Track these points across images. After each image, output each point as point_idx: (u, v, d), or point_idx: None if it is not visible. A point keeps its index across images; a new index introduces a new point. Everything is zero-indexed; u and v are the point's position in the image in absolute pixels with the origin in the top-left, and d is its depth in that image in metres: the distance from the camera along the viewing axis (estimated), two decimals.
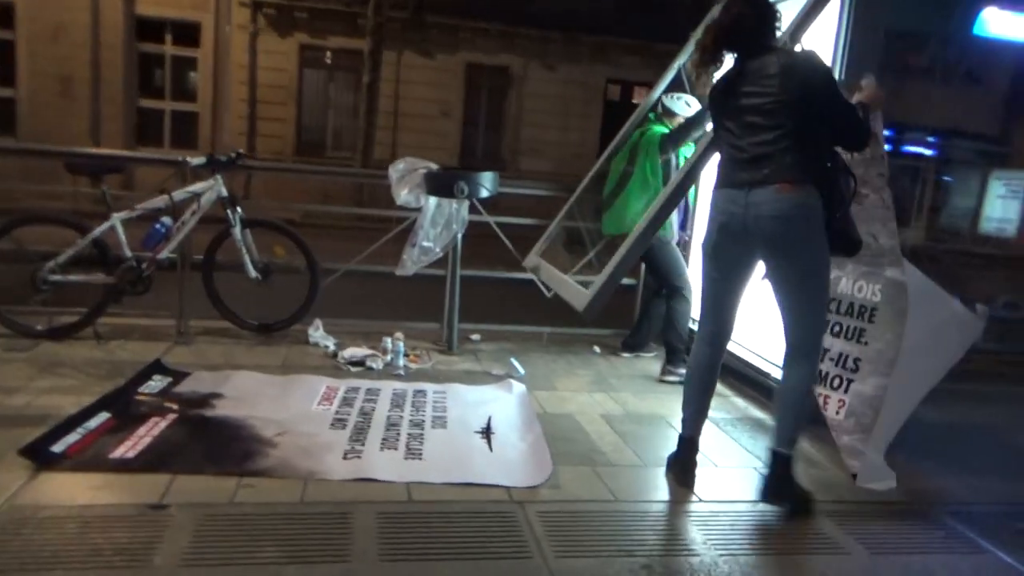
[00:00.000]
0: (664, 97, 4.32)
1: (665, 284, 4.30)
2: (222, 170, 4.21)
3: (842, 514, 2.73)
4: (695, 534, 2.49)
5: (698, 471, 2.90)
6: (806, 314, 2.68)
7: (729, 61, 2.79)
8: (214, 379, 3.58)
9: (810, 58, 2.65)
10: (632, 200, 4.17)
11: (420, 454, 2.90)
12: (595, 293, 3.33)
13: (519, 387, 3.81)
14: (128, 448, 2.72)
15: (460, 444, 3.04)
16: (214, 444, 2.83)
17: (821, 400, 3.21)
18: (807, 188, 2.55)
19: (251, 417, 3.12)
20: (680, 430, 2.97)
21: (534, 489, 2.69)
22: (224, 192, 4.22)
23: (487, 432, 3.19)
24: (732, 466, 3.11)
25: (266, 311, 4.42)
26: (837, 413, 3.16)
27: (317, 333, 4.44)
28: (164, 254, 4.14)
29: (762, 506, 2.72)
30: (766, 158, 2.58)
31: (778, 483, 2.72)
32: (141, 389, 3.38)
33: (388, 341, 4.17)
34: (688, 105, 4.20)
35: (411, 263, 4.26)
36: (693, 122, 3.94)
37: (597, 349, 4.84)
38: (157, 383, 3.49)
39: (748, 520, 2.63)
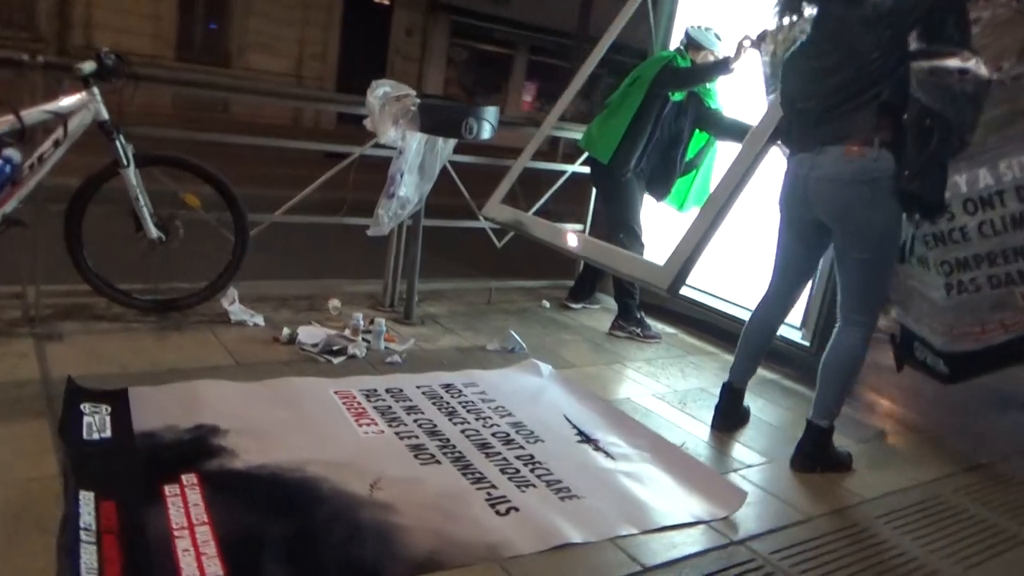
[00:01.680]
0: (690, 28, 3.81)
1: (621, 224, 3.86)
2: (100, 80, 2.82)
3: None
4: None
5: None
6: (860, 280, 2.54)
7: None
8: (177, 400, 2.46)
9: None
10: (603, 119, 3.78)
11: (568, 490, 2.27)
12: (679, 269, 2.86)
13: (546, 368, 3.24)
14: (194, 568, 1.70)
15: (585, 464, 2.46)
16: (313, 532, 1.90)
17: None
18: (876, 148, 2.35)
19: (305, 465, 2.18)
20: (728, 377, 2.92)
21: (732, 520, 2.26)
22: (104, 113, 2.85)
23: (589, 440, 2.64)
24: None
25: (165, 282, 3.18)
26: None
27: (235, 307, 3.33)
28: (11, 205, 2.72)
29: None
30: (837, 119, 2.41)
31: (813, 453, 2.65)
32: (88, 436, 2.19)
33: (358, 318, 3.27)
34: (719, 39, 3.73)
35: (388, 219, 3.33)
36: (714, 67, 3.53)
37: (546, 303, 4.38)
38: (95, 418, 2.29)
39: None
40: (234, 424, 2.35)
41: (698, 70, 3.62)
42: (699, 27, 3.74)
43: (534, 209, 4.06)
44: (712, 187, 3.95)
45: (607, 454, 2.55)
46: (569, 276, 4.62)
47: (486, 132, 3.22)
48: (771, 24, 3.22)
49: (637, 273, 3.07)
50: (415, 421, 2.58)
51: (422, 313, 3.80)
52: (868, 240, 2.46)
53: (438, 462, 2.32)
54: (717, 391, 3.25)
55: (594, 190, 4.41)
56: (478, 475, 2.27)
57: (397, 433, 2.47)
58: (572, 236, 3.33)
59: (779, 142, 2.86)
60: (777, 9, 2.70)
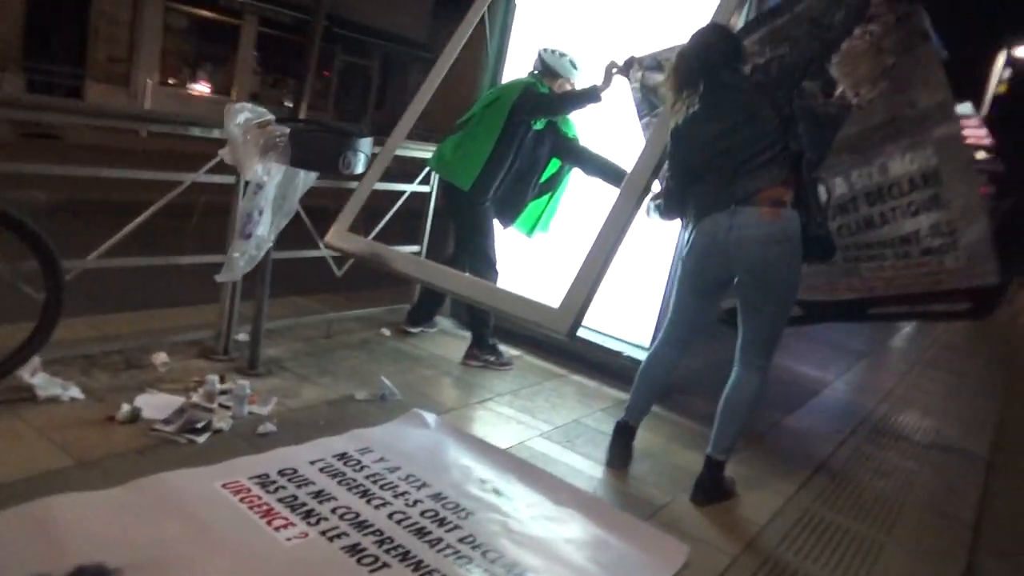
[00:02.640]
0: (543, 52, 3.70)
1: (477, 253, 3.75)
2: None
3: None
4: None
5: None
6: (770, 328, 2.72)
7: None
8: (28, 533, 1.88)
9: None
10: (458, 142, 3.65)
11: (525, 571, 2.15)
12: (577, 313, 2.82)
13: (430, 417, 3.04)
14: None
15: (527, 536, 2.35)
16: None
17: (932, 275, 3.09)
18: (788, 208, 2.57)
19: None
20: (623, 417, 2.99)
21: None
22: None
23: (515, 505, 2.52)
24: None
25: None
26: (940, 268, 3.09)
27: (39, 378, 2.65)
28: None
29: None
30: (745, 176, 2.57)
31: (710, 487, 2.81)
32: None
33: (213, 381, 2.77)
34: (575, 68, 3.67)
35: (244, 263, 2.84)
36: (583, 96, 3.49)
37: (386, 331, 4.11)
38: None
39: None
40: (124, 558, 1.86)
41: (566, 98, 3.56)
42: (554, 52, 3.69)
43: (373, 234, 3.77)
44: (558, 212, 4.01)
45: (543, 517, 2.46)
46: (403, 299, 4.38)
47: (361, 166, 2.87)
48: (642, 57, 3.33)
49: (530, 316, 2.97)
50: (333, 511, 2.26)
51: (265, 359, 3.34)
52: (782, 293, 2.64)
53: (387, 565, 2.05)
54: (590, 423, 3.33)
55: (432, 211, 4.22)
56: (436, 573, 2.05)
57: (323, 533, 2.14)
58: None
59: (656, 206, 2.95)
60: (673, 83, 2.73)
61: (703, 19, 3.30)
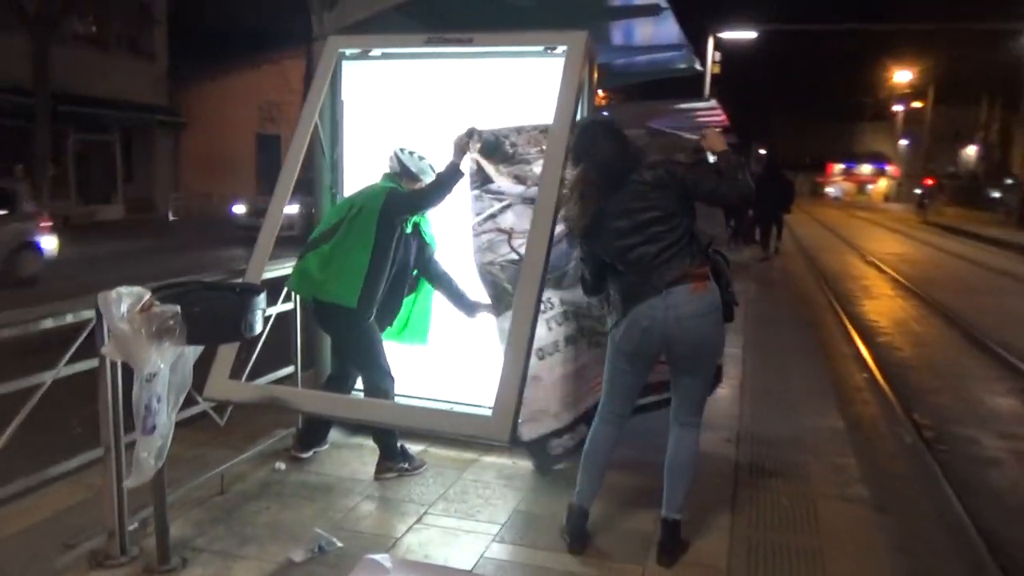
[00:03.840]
0: (401, 153, 3.63)
1: (370, 364, 3.62)
2: None
3: None
4: None
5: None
6: (703, 388, 2.98)
7: None
8: None
9: (655, 165, 2.90)
10: (326, 258, 3.46)
11: None
12: (513, 418, 2.83)
13: (384, 559, 2.86)
14: None
15: None
16: None
17: None
18: (711, 280, 2.83)
19: None
20: (575, 499, 3.04)
21: None
22: None
23: None
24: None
25: None
26: None
27: None
28: None
29: None
30: (670, 259, 2.78)
31: (673, 547, 2.96)
32: None
33: None
34: (432, 170, 3.62)
35: (155, 459, 2.49)
36: (448, 178, 3.47)
37: (281, 465, 3.80)
38: None
39: None
40: None
41: (433, 186, 3.51)
42: (412, 154, 3.66)
43: (249, 366, 3.50)
44: (431, 317, 3.93)
45: None
46: (285, 423, 4.08)
47: (260, 324, 2.64)
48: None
49: (466, 430, 2.94)
50: None
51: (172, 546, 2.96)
52: (713, 356, 2.89)
53: None
54: (530, 508, 3.34)
55: (299, 329, 3.97)
56: None
57: None
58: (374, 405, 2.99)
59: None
60: (579, 193, 2.86)
61: (520, 107, 3.55)
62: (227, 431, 3.96)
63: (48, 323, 2.58)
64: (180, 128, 21.70)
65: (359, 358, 3.61)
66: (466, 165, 3.53)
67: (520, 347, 2.94)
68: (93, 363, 2.73)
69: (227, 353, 3.24)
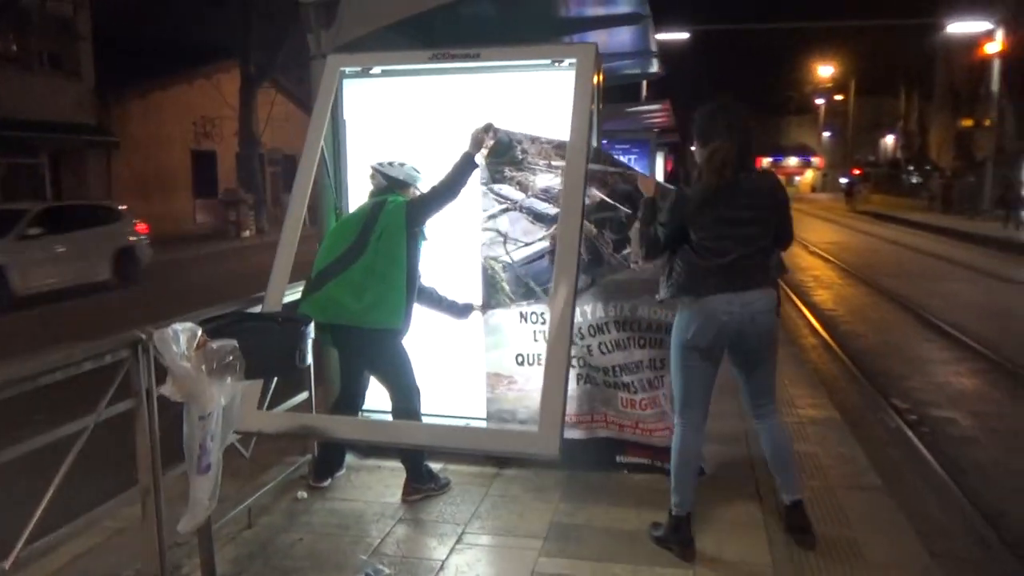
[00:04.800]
0: (382, 167, 3.61)
1: (406, 384, 3.56)
2: None
3: None
4: None
5: None
6: (773, 374, 3.24)
7: None
8: None
9: (772, 175, 3.17)
10: (358, 285, 3.40)
11: None
12: (560, 431, 2.84)
13: None
14: None
15: None
16: None
17: (638, 402, 3.72)
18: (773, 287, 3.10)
19: None
20: (678, 511, 3.10)
21: None
22: None
23: None
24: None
25: None
26: (645, 408, 3.73)
27: None
28: None
29: None
30: (755, 264, 2.98)
31: (808, 523, 3.16)
32: None
33: None
34: (418, 173, 3.64)
35: (209, 499, 2.40)
36: (463, 168, 3.45)
37: (303, 494, 3.72)
38: None
39: None
40: None
41: (452, 181, 3.45)
42: (392, 164, 3.65)
43: (268, 398, 3.42)
44: None
45: None
46: (292, 450, 3.99)
47: (310, 354, 2.58)
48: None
49: (512, 447, 2.94)
50: None
51: None
52: (775, 348, 3.16)
53: None
54: (563, 520, 3.34)
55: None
56: None
57: None
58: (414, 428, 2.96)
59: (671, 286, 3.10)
60: (718, 165, 2.93)
61: (525, 119, 3.65)
62: (236, 463, 3.87)
63: (88, 365, 2.47)
64: (112, 148, 20.86)
65: (397, 378, 3.53)
66: (480, 159, 3.56)
67: (560, 360, 2.95)
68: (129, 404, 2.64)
69: (254, 384, 3.15)
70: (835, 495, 3.64)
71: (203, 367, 2.25)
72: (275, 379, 3.41)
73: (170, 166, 23.29)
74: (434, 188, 3.50)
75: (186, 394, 2.25)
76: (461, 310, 3.81)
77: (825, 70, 44.46)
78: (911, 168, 40.22)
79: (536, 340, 3.69)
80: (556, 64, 3.71)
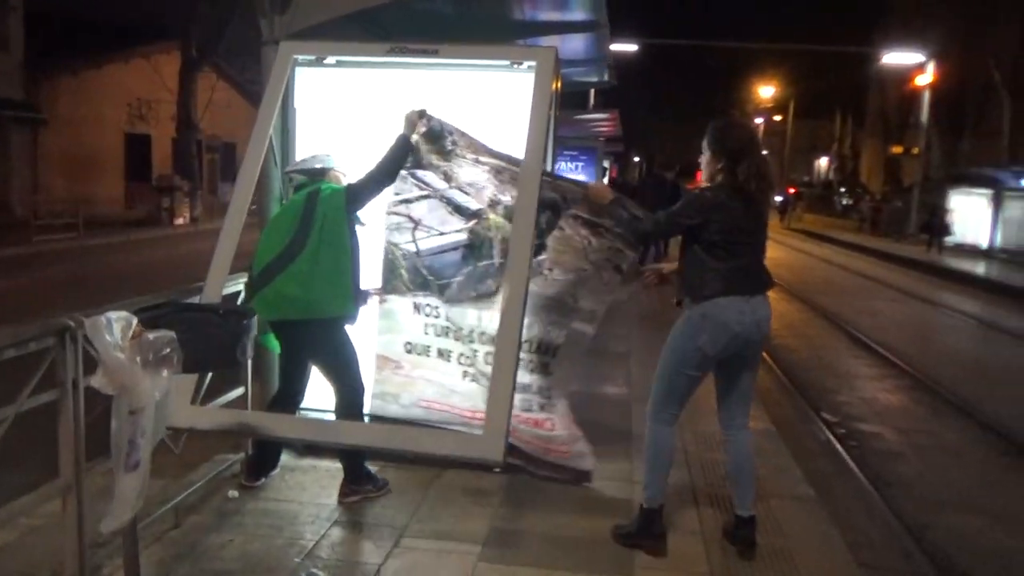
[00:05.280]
0: (309, 160, 3.57)
1: (347, 383, 3.47)
2: None
3: None
4: None
5: None
6: (754, 384, 3.34)
7: None
8: None
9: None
10: (305, 275, 3.30)
11: None
12: (505, 436, 2.81)
13: None
14: None
15: None
16: None
17: (530, 425, 3.56)
18: None
19: None
20: (650, 504, 3.19)
21: None
22: None
23: None
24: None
25: None
26: (552, 430, 3.58)
27: None
28: None
29: None
30: (760, 268, 3.16)
31: (753, 539, 3.20)
32: None
33: None
34: (330, 156, 3.60)
35: (136, 498, 2.27)
36: (399, 149, 3.44)
37: (234, 493, 3.59)
38: None
39: None
40: None
41: (389, 162, 3.42)
42: (302, 160, 3.64)
43: (202, 391, 3.28)
44: None
45: None
46: (219, 448, 3.84)
47: (251, 349, 2.48)
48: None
49: (456, 451, 2.87)
50: None
51: None
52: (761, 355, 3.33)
53: None
54: (502, 525, 3.32)
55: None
56: None
57: None
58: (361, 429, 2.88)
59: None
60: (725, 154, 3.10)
61: (479, 119, 3.61)
62: (164, 459, 3.71)
63: (10, 352, 2.31)
64: (38, 124, 19.93)
65: (346, 370, 3.44)
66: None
67: (507, 366, 2.92)
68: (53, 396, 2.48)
69: (188, 378, 3.02)
70: (770, 505, 3.70)
71: (138, 359, 2.13)
72: (210, 373, 3.31)
73: (102, 148, 22.40)
74: (372, 171, 3.44)
75: (118, 387, 2.13)
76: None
77: (766, 91, 45.74)
78: (843, 190, 41.71)
79: (426, 333, 3.60)
80: (515, 66, 3.70)
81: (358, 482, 3.57)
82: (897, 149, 33.40)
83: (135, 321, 2.23)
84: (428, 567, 3.04)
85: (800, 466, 4.40)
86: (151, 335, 2.19)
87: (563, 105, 13.94)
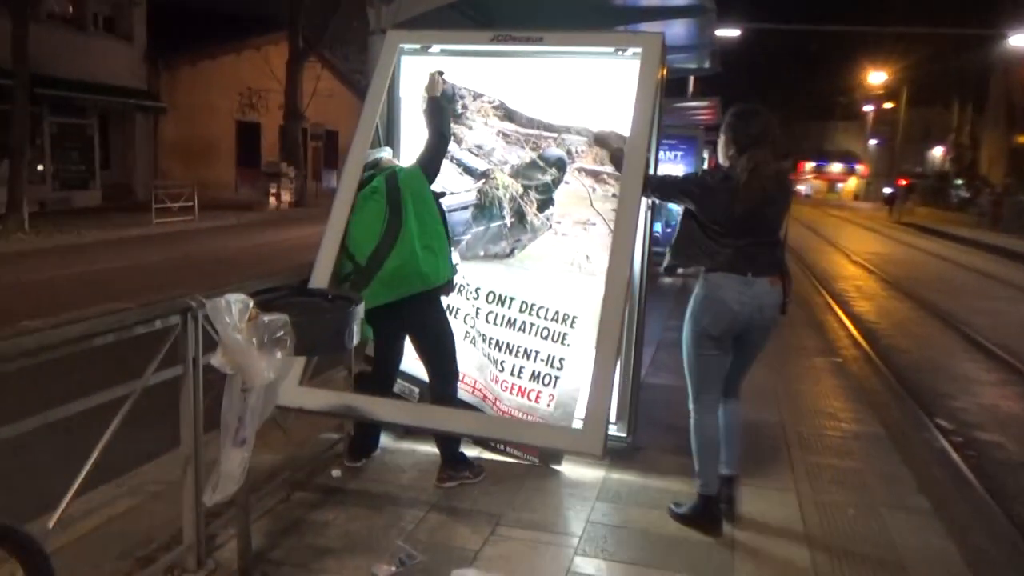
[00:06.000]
0: (377, 152, 3.70)
1: (447, 357, 3.58)
2: None
3: None
4: None
5: None
6: (751, 365, 3.39)
7: None
8: None
9: (787, 174, 3.24)
10: (434, 245, 3.43)
11: None
12: (604, 430, 2.77)
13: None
14: None
15: None
16: None
17: (531, 396, 3.64)
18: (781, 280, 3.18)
19: None
20: (706, 491, 3.24)
21: None
22: None
23: None
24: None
25: None
26: (548, 406, 3.61)
27: None
28: None
29: None
30: (762, 253, 3.09)
31: (735, 496, 3.36)
32: None
33: None
34: (380, 144, 3.83)
35: (240, 473, 2.38)
36: (435, 112, 3.60)
37: (337, 472, 3.70)
38: None
39: None
40: None
41: (434, 128, 3.58)
42: (381, 149, 3.77)
43: (308, 373, 3.38)
44: None
45: None
46: (323, 426, 3.96)
47: (359, 334, 2.54)
48: None
49: (556, 443, 2.87)
50: None
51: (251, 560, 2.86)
52: (768, 339, 3.29)
53: None
54: (599, 519, 3.29)
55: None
56: None
57: None
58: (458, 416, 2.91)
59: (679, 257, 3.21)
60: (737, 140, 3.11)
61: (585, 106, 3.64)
62: (271, 436, 3.86)
63: (139, 329, 2.45)
64: (159, 113, 21.14)
65: (446, 341, 3.57)
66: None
67: (608, 357, 2.88)
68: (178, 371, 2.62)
69: (298, 359, 3.12)
70: (880, 514, 3.52)
71: (254, 340, 2.21)
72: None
73: (215, 135, 23.55)
74: (429, 141, 3.58)
75: (235, 366, 2.22)
76: None
77: (877, 77, 43.37)
78: (960, 182, 39.21)
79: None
80: (620, 53, 3.63)
81: (455, 467, 3.62)
82: (1023, 139, 31.11)
83: (251, 304, 2.32)
84: (524, 556, 3.04)
85: (913, 475, 4.16)
86: (266, 317, 2.27)
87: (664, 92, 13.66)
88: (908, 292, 12.31)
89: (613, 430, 3.74)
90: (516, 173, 3.72)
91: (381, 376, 3.77)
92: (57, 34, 17.95)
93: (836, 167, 63.16)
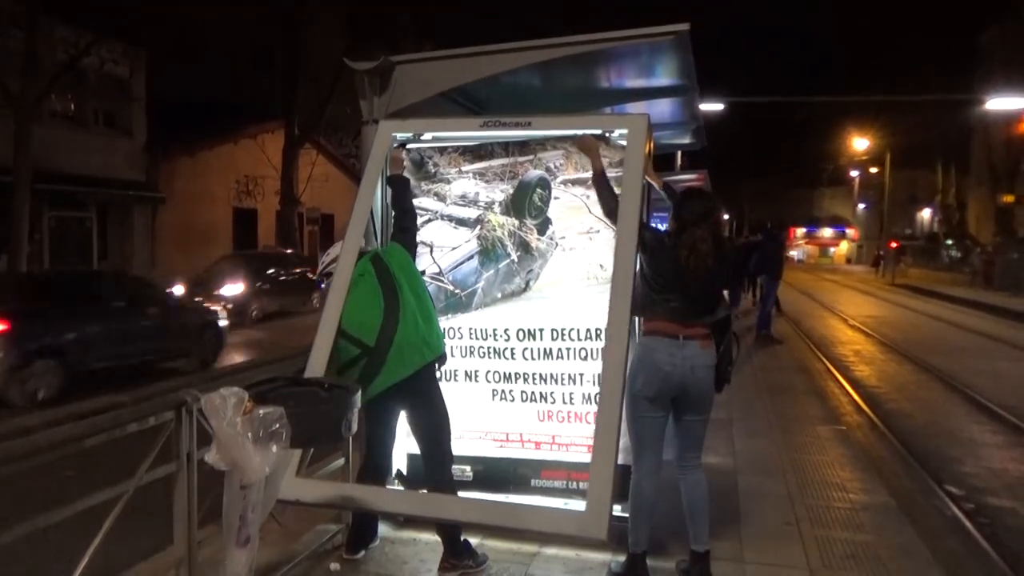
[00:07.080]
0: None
1: (444, 439, 3.52)
2: None
3: None
4: None
5: None
6: (704, 431, 3.45)
7: None
8: None
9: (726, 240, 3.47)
10: (414, 320, 3.42)
11: None
12: (608, 511, 2.71)
13: None
14: None
15: None
16: None
17: (589, 419, 3.59)
18: (711, 341, 3.31)
19: None
20: (634, 549, 3.29)
21: None
22: None
23: None
24: None
25: None
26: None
27: None
28: None
29: None
30: (696, 314, 3.24)
31: (709, 573, 3.32)
32: None
33: None
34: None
35: (247, 572, 2.31)
36: (407, 227, 3.75)
37: (336, 566, 3.60)
38: None
39: None
40: None
41: (404, 210, 3.76)
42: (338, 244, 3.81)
43: (305, 463, 3.33)
44: None
45: None
46: (327, 518, 3.87)
47: (356, 424, 2.52)
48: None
49: (558, 528, 2.80)
50: None
51: None
52: (710, 405, 3.38)
53: None
54: None
55: None
56: None
57: None
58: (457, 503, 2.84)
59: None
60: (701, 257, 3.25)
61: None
62: (267, 529, 3.77)
63: (133, 427, 2.42)
64: (157, 203, 21.46)
65: (445, 420, 3.54)
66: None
67: (610, 430, 2.84)
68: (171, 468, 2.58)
69: (295, 451, 3.08)
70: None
71: (249, 434, 2.19)
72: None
73: (212, 222, 23.83)
74: (398, 222, 3.74)
75: (231, 462, 2.18)
76: None
77: (860, 143, 44.41)
78: (950, 242, 39.65)
79: (452, 355, 3.76)
80: (607, 134, 3.71)
81: (458, 556, 3.52)
82: (1009, 198, 31.62)
83: (247, 397, 2.30)
84: None
85: (927, 546, 4.07)
86: (262, 410, 2.25)
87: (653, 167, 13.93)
88: (907, 355, 12.27)
89: (617, 510, 3.66)
90: (506, 209, 3.82)
91: (377, 464, 3.70)
92: (58, 131, 18.37)
93: (827, 232, 64.00)
